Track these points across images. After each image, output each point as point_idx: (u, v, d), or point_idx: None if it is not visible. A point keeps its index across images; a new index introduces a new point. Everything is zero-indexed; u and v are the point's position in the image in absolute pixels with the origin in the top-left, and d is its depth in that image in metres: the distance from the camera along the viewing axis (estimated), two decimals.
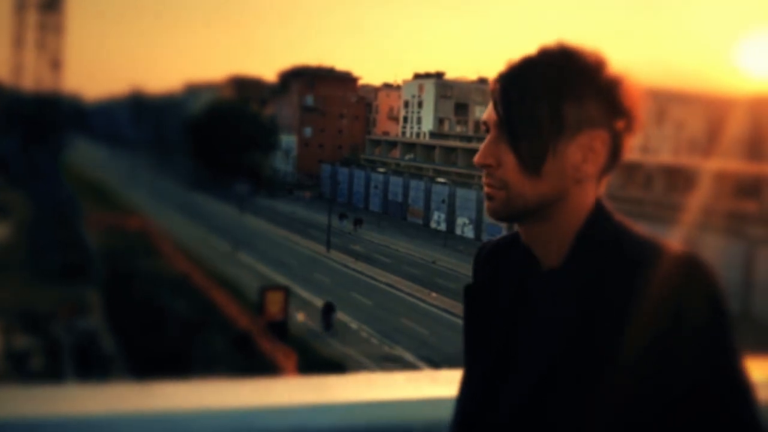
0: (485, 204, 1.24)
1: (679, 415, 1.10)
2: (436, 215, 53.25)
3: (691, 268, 1.12)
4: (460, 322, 1.46)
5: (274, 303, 26.24)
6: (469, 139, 67.01)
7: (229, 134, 64.98)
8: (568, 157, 1.19)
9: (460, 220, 50.32)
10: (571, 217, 1.21)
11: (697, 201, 37.28)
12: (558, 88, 1.19)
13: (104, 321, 27.88)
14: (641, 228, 1.20)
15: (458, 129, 70.70)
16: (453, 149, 62.28)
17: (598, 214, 1.22)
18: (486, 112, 1.24)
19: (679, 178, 40.52)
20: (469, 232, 48.98)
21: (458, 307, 26.71)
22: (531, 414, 1.16)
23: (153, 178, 71.95)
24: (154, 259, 36.77)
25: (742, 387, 1.10)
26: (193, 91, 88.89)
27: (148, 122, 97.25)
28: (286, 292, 27.41)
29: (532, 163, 1.19)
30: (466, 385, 1.30)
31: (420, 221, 54.95)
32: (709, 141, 49.13)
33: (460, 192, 50.77)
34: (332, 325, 28.02)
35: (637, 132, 1.22)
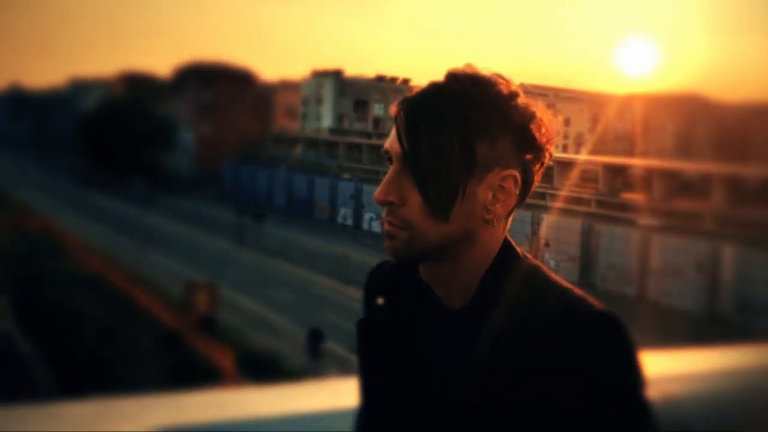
0: (384, 243, 1.14)
1: None
2: (342, 211, 53.54)
3: (605, 322, 1.05)
4: None
5: (202, 299, 26.21)
6: (369, 135, 67.76)
7: (124, 132, 63.36)
8: (478, 198, 1.10)
9: (367, 216, 50.78)
10: (477, 257, 1.12)
11: (592, 193, 39.21)
12: (470, 123, 1.07)
13: (16, 326, 27.00)
14: (549, 270, 1.13)
15: (357, 125, 71.31)
16: (357, 146, 62.80)
17: (506, 255, 1.13)
18: (388, 141, 1.13)
19: (574, 173, 42.48)
20: (376, 227, 49.53)
21: None
22: None
23: (43, 177, 69.16)
24: (62, 260, 35.64)
25: None
26: (78, 86, 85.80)
27: (30, 118, 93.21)
28: (214, 287, 27.38)
29: (441, 206, 1.09)
30: (362, 418, 1.23)
31: (326, 217, 55.11)
32: (595, 136, 51.63)
33: (367, 188, 51.21)
34: (320, 354, 25.82)
35: (546, 164, 1.14)
